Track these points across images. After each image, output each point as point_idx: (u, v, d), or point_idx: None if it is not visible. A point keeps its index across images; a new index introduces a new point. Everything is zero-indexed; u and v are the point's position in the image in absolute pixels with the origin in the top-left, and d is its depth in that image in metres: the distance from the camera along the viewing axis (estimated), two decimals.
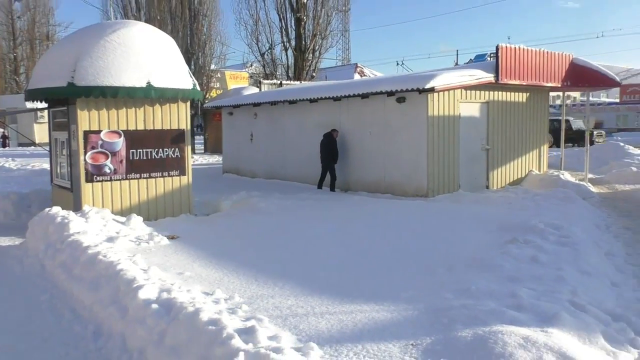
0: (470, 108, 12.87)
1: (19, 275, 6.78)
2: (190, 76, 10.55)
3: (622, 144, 22.31)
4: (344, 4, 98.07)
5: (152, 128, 10.22)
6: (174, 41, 10.74)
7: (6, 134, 34.79)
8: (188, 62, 30.84)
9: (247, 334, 3.71)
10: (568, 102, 75.32)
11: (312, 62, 24.82)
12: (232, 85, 45.43)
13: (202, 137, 37.20)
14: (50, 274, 6.49)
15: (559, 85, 14.16)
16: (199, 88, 10.69)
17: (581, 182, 13.84)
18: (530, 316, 4.24)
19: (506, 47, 12.62)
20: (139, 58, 9.65)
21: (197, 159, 27.13)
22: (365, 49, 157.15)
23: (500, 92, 13.41)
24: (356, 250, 7.08)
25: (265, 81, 20.44)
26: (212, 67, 34.26)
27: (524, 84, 13.20)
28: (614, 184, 15.51)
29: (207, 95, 32.45)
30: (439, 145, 12.15)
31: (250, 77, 45.78)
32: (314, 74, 25.25)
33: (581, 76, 14.34)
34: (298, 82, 20.97)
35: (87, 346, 4.54)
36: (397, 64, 60.75)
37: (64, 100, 9.70)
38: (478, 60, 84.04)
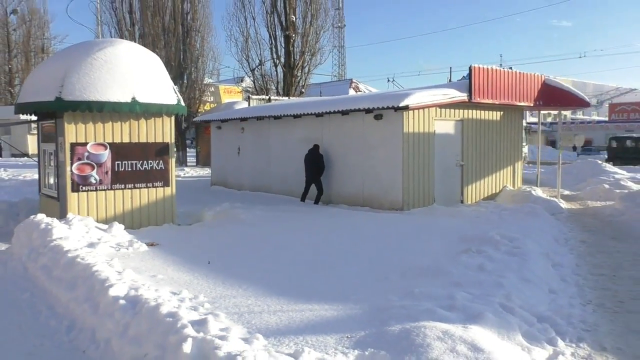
0: (445, 125, 13.44)
1: (2, 276, 7.24)
2: (175, 92, 11.07)
3: (599, 162, 22.95)
4: (339, 20, 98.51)
5: (137, 141, 10.71)
6: (159, 59, 11.28)
7: None
8: (181, 77, 31.49)
9: (200, 325, 4.18)
10: (558, 119, 76.60)
11: (300, 78, 25.45)
12: (226, 99, 46.08)
13: (194, 150, 37.77)
14: (31, 275, 6.94)
15: (532, 105, 14.77)
16: (183, 103, 11.20)
17: (552, 198, 14.37)
18: (458, 315, 4.73)
19: (479, 68, 13.22)
20: (124, 74, 10.17)
21: (188, 171, 27.63)
22: (361, 65, 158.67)
23: (474, 111, 14.00)
24: (321, 258, 7.57)
25: (254, 96, 21.00)
26: (206, 81, 34.90)
27: (497, 103, 13.80)
28: (586, 200, 16.07)
29: (199, 109, 33.00)
30: (414, 160, 12.69)
31: (246, 91, 46.43)
32: (303, 90, 25.86)
33: (553, 96, 14.97)
34: (286, 98, 21.55)
35: (61, 338, 4.99)
36: (388, 80, 61.31)
37: (52, 113, 10.21)
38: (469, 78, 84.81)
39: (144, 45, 32.60)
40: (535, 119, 72.82)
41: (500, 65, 71.29)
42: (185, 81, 31.69)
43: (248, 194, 16.52)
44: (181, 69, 31.46)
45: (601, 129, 66.59)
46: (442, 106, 13.01)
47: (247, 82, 37.56)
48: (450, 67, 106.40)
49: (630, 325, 5.58)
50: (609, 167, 22.40)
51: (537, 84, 14.81)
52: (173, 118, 11.27)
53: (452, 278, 6.05)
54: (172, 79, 29.73)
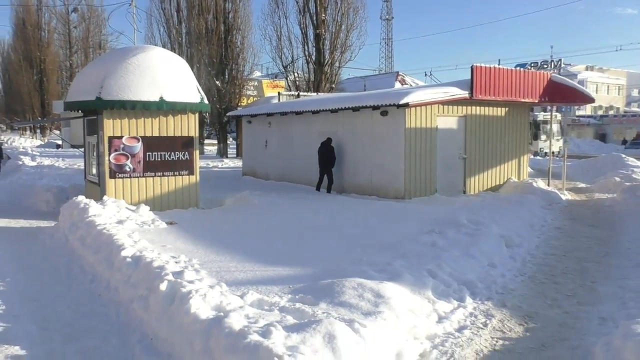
0: (448, 121, 14.46)
1: (48, 245, 8.97)
2: (199, 91, 12.61)
3: (623, 156, 23.18)
4: (387, 13, 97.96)
5: (165, 135, 12.31)
6: (185, 62, 12.86)
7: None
8: (222, 73, 33.30)
9: (179, 274, 5.61)
10: (611, 112, 74.60)
11: (330, 74, 26.71)
12: (268, 93, 47.83)
13: (235, 142, 39.69)
14: (70, 244, 8.62)
15: (537, 101, 15.53)
16: (206, 101, 12.72)
17: (553, 190, 15.14)
18: (384, 275, 5.97)
19: (480, 67, 14.14)
20: (154, 77, 11.78)
21: (227, 162, 29.44)
22: (410, 57, 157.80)
23: (477, 107, 14.93)
24: (307, 235, 8.92)
25: (284, 92, 22.42)
26: (253, 75, 36.45)
27: (500, 99, 14.68)
28: (595, 192, 16.71)
29: (239, 103, 34.77)
30: (417, 153, 13.80)
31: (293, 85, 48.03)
32: (333, 86, 27.12)
33: (558, 92, 15.67)
34: (315, 94, 22.86)
35: (85, 286, 6.58)
36: (425, 74, 61.58)
37: (94, 110, 11.94)
38: (471, 76, 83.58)
39: (189, 42, 34.84)
40: (582, 112, 71.11)
41: (551, 56, 70.02)
42: (226, 77, 33.46)
43: (273, 184, 17.99)
44: (222, 65, 33.24)
45: None
46: (444, 103, 14.03)
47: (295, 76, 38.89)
48: (499, 60, 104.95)
49: (545, 292, 6.67)
50: (633, 160, 22.63)
51: (543, 81, 15.55)
52: (197, 114, 12.81)
53: (401, 251, 7.26)
54: (213, 75, 31.58)
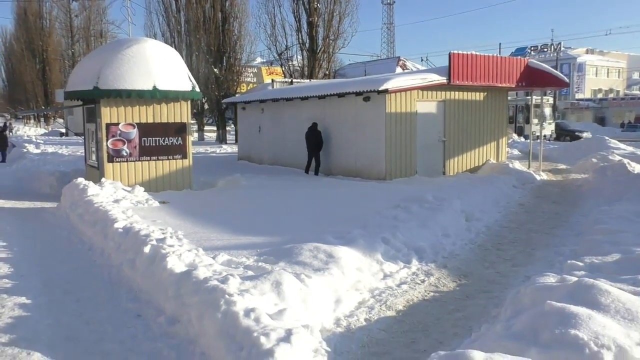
0: (427, 106, 15.27)
1: (51, 221, 9.92)
2: (190, 80, 13.44)
3: (606, 138, 23.94)
4: None
5: (159, 121, 13.17)
6: (177, 53, 13.70)
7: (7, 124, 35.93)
8: (220, 60, 34.05)
9: (161, 240, 6.52)
10: (611, 95, 74.97)
11: (323, 61, 27.47)
12: (268, 79, 48.56)
13: (234, 128, 40.53)
14: (71, 220, 9.55)
15: (514, 86, 16.29)
16: (197, 89, 13.54)
17: (529, 171, 15.96)
18: (340, 241, 6.84)
19: (457, 54, 14.90)
20: (147, 67, 12.61)
21: (225, 148, 30.34)
22: (413, 42, 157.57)
23: (456, 92, 15.71)
24: (285, 210, 9.84)
25: (277, 79, 23.21)
26: (256, 62, 37.01)
27: (477, 84, 15.46)
28: (573, 173, 17.51)
29: (237, 90, 35.55)
30: (397, 137, 14.63)
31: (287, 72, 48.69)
32: (327, 72, 27.87)
33: (535, 77, 16.41)
34: (308, 81, 23.62)
35: (82, 254, 7.52)
36: (422, 59, 62.06)
37: (92, 99, 12.81)
38: (518, 53, 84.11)
39: (188, 30, 35.54)
40: (581, 95, 71.27)
41: (551, 40, 70.21)
42: (224, 64, 34.22)
43: (265, 167, 18.88)
44: (220, 53, 33.98)
45: None
46: (423, 88, 14.82)
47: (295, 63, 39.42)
48: (500, 44, 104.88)
49: (487, 257, 7.56)
50: (615, 142, 23.38)
51: (520, 66, 16.28)
52: (189, 102, 13.65)
53: (363, 222, 8.13)
54: (212, 63, 32.29)
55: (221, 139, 35.33)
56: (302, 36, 27.82)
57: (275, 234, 7.72)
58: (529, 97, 35.75)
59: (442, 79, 14.79)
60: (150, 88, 12.51)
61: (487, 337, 4.25)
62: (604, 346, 3.62)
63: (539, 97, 37.41)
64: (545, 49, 74.17)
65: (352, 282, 5.83)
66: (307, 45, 27.65)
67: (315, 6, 26.77)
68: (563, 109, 68.08)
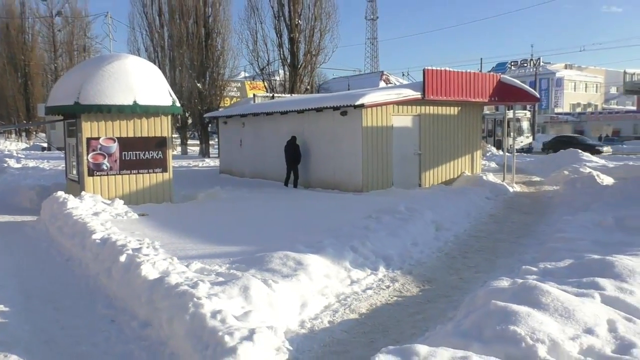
0: (402, 120, 15.70)
1: (31, 234, 10.09)
2: (171, 95, 13.71)
3: (579, 151, 24.62)
4: (372, 13, 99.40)
5: (140, 135, 13.40)
6: (157, 69, 13.99)
7: None
8: (203, 75, 34.37)
9: (137, 250, 6.76)
10: (589, 110, 76.51)
11: (304, 76, 27.96)
12: (251, 94, 48.97)
13: (217, 142, 40.78)
14: (50, 233, 9.73)
15: (487, 100, 16.81)
16: (178, 104, 13.82)
17: (502, 183, 16.43)
18: (310, 250, 7.14)
19: (431, 70, 15.39)
20: (128, 83, 12.87)
21: (208, 162, 30.52)
22: (396, 57, 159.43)
23: (431, 107, 16.17)
24: (263, 221, 10.12)
25: (259, 94, 23.58)
26: (242, 76, 37.46)
27: (451, 99, 15.94)
28: (545, 185, 18.03)
29: (220, 104, 35.84)
30: (373, 150, 15.01)
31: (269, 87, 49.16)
32: (308, 87, 28.34)
33: (507, 92, 16.96)
34: (289, 96, 24.03)
35: (61, 264, 7.73)
36: (403, 74, 62.97)
37: (73, 114, 13.03)
38: (499, 68, 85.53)
39: (171, 46, 35.85)
40: (560, 110, 72.52)
41: (531, 55, 71.74)
42: (207, 79, 34.53)
43: (246, 180, 19.15)
44: (203, 68, 34.30)
45: (630, 119, 66.41)
46: (398, 103, 15.26)
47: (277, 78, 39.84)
48: (481, 59, 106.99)
49: (452, 264, 7.90)
50: (588, 155, 24.07)
51: (493, 82, 16.82)
52: (169, 116, 13.92)
53: (335, 232, 8.43)
54: (195, 78, 32.68)
55: (204, 153, 35.54)
56: (283, 52, 28.32)
57: (249, 243, 7.99)
58: (508, 112, 36.58)
59: (417, 94, 15.25)
60: (131, 103, 12.75)
61: (438, 335, 4.57)
62: (538, 340, 3.96)
63: (520, 112, 38.38)
64: (525, 64, 75.70)
65: (319, 288, 6.12)
66: (288, 60, 28.12)
67: (297, 22, 27.29)
68: (543, 123, 69.44)
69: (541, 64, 71.67)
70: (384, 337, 5.07)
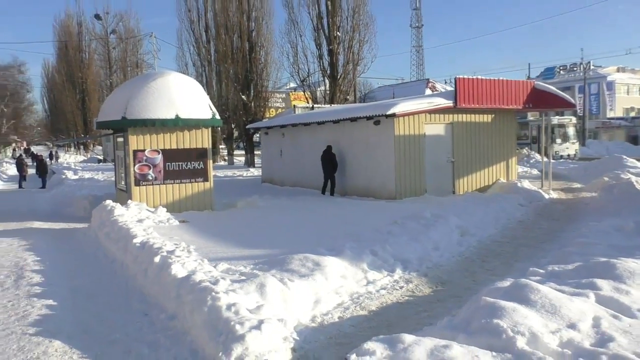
0: (435, 128, 15.97)
1: (81, 239, 10.99)
2: (211, 108, 14.50)
3: (624, 157, 24.03)
4: (417, 21, 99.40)
5: (182, 147, 14.24)
6: (198, 84, 14.83)
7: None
8: (247, 87, 35.48)
9: (172, 252, 7.41)
10: None
11: (343, 86, 28.52)
12: (301, 104, 49.96)
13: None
14: (99, 239, 10.58)
15: (521, 107, 16.85)
16: (218, 117, 14.59)
17: (537, 190, 16.39)
18: (331, 252, 7.59)
19: (463, 79, 15.62)
20: (170, 98, 13.73)
21: (252, 172, 31.48)
22: (441, 64, 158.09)
23: (463, 115, 16.37)
24: (294, 228, 10.66)
25: (299, 105, 24.25)
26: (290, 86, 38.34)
27: (484, 107, 16.09)
28: (585, 192, 17.82)
29: (265, 115, 36.85)
30: (406, 158, 15.35)
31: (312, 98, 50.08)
32: (347, 97, 28.88)
33: (541, 99, 16.94)
34: (329, 106, 24.60)
35: (105, 266, 8.48)
36: (445, 82, 62.58)
37: (120, 128, 13.99)
38: (547, 73, 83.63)
39: (217, 60, 37.19)
40: (613, 114, 70.16)
41: (581, 59, 69.94)
42: (251, 91, 35.62)
43: (286, 189, 19.80)
44: (248, 80, 35.42)
45: None
46: (430, 112, 15.55)
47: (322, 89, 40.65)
48: (529, 64, 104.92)
49: (470, 268, 8.17)
50: (632, 161, 23.47)
51: (527, 89, 16.84)
52: (210, 129, 14.71)
53: (359, 237, 8.86)
54: (239, 90, 33.79)
55: (249, 163, 36.57)
56: (323, 63, 28.99)
57: (275, 247, 8.53)
58: (552, 118, 35.90)
59: (449, 103, 15.49)
60: (173, 117, 13.60)
61: (434, 328, 4.95)
62: (519, 332, 4.29)
63: (565, 118, 37.63)
64: (575, 68, 73.77)
65: (334, 287, 6.58)
66: (328, 71, 28.76)
67: (335, 34, 27.92)
68: (594, 128, 67.37)
69: (591, 67, 69.82)
70: (388, 331, 5.44)
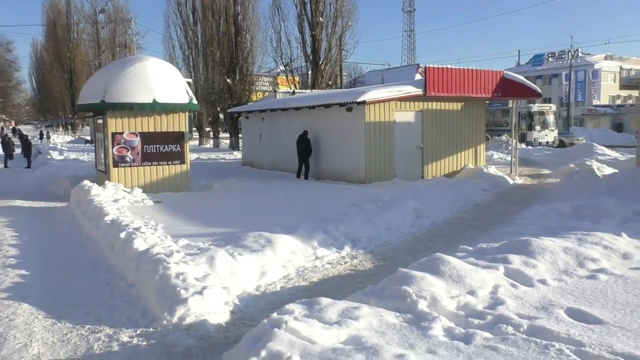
0: (405, 115, 16.61)
1: (59, 217, 11.59)
2: (188, 93, 15.04)
3: (594, 145, 24.86)
4: (409, 5, 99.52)
5: (159, 130, 14.79)
6: (176, 69, 15.36)
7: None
8: (233, 71, 35.87)
9: (137, 228, 8.05)
10: (630, 101, 74.60)
11: (326, 72, 29.06)
12: (282, 89, 50.33)
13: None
14: (75, 217, 11.19)
15: (490, 96, 17.51)
16: (195, 102, 15.13)
17: (502, 175, 17.11)
18: (285, 231, 8.25)
19: (433, 68, 16.23)
20: (148, 82, 14.25)
21: (236, 155, 31.96)
22: (435, 49, 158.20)
23: (433, 103, 17.01)
24: (262, 208, 11.32)
25: (280, 90, 24.77)
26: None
27: (454, 95, 16.73)
28: (550, 178, 18.58)
29: (250, 99, 37.29)
30: (376, 144, 16.00)
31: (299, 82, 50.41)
32: (329, 82, 29.44)
33: (510, 88, 17.61)
34: (309, 91, 25.15)
35: (79, 241, 9.11)
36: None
37: (100, 111, 14.51)
38: (536, 59, 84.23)
39: (203, 43, 37.45)
40: (598, 102, 70.93)
41: (570, 46, 70.53)
42: (236, 75, 36.00)
43: (264, 172, 20.42)
44: (233, 64, 35.80)
45: None
46: (400, 99, 16.17)
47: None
48: (519, 50, 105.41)
49: (415, 246, 8.87)
50: (602, 149, 24.30)
51: (496, 78, 17.49)
52: (187, 113, 15.26)
53: (315, 217, 9.52)
54: (224, 74, 34.13)
55: (234, 146, 37.08)
56: (306, 49, 29.47)
57: (237, 225, 9.17)
58: (531, 105, 36.63)
59: (419, 91, 16.12)
60: (151, 101, 14.14)
61: (355, 295, 5.63)
62: (422, 297, 4.99)
63: (545, 106, 38.36)
64: (563, 56, 74.42)
65: (283, 262, 7.25)
66: (310, 57, 29.25)
67: (318, 20, 28.37)
68: (580, 116, 68.28)
69: (579, 55, 70.53)
70: None
